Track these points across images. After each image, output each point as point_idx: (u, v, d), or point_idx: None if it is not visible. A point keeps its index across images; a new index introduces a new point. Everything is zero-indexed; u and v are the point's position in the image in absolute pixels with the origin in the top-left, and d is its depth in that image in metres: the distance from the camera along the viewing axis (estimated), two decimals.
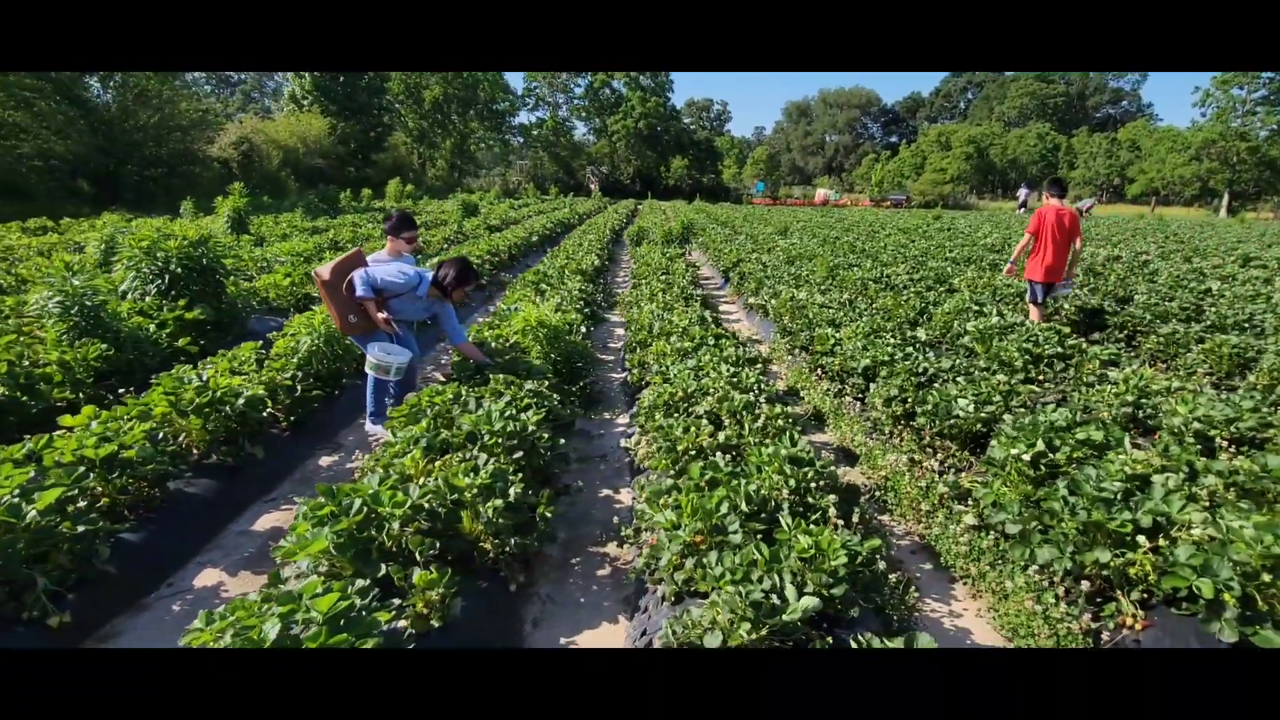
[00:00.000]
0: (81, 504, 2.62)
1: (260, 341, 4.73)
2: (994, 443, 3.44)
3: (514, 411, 3.52)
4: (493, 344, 5.07)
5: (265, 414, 4.01)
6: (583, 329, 6.26)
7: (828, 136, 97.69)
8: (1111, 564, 2.59)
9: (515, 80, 65.08)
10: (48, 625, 2.35)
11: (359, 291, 4.07)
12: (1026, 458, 3.19)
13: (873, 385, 4.74)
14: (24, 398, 3.91)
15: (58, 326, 4.60)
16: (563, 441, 3.65)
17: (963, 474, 3.69)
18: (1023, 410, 3.94)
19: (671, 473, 3.31)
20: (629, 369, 5.58)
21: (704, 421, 3.59)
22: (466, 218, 19.15)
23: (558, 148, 62.84)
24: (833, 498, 2.86)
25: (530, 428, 3.42)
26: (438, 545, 2.67)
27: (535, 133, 62.90)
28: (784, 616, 2.17)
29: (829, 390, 5.26)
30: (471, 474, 2.86)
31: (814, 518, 2.81)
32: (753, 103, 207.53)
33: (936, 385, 4.41)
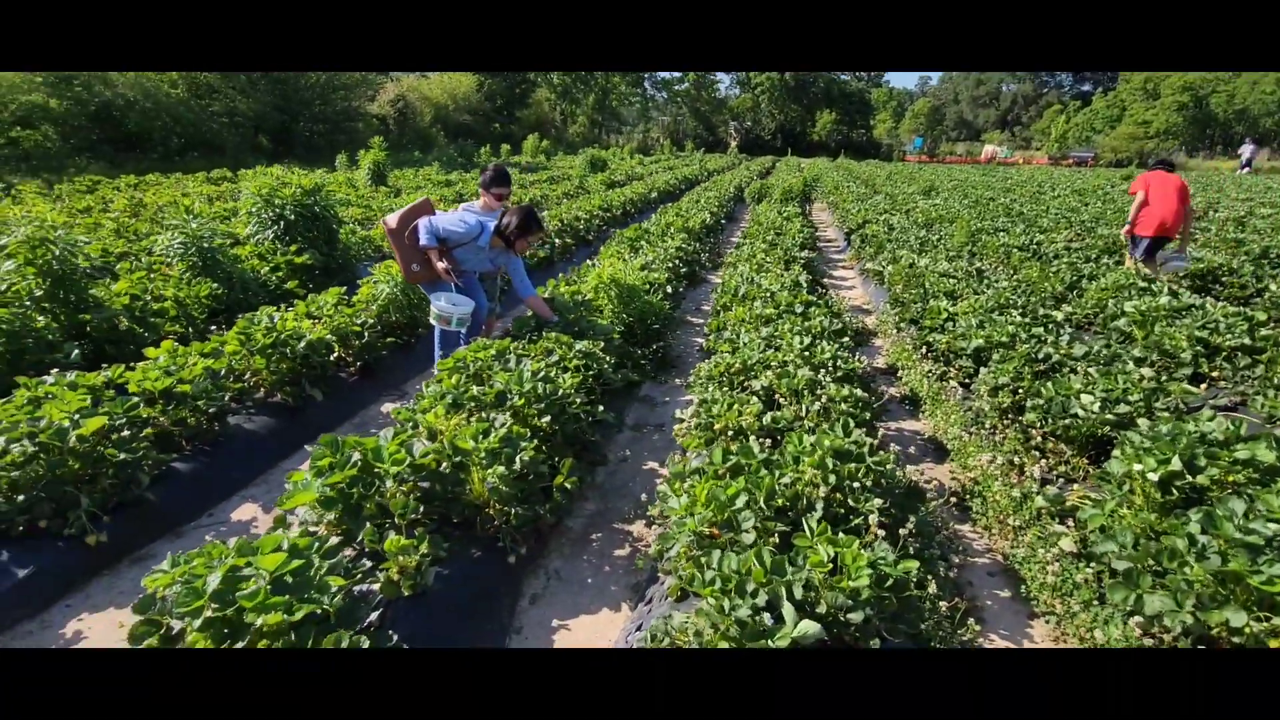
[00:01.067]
0: (126, 432, 2.78)
1: (345, 288, 4.90)
2: (1116, 453, 2.77)
3: (551, 373, 3.33)
4: (567, 300, 4.92)
5: (332, 358, 4.15)
6: (667, 289, 5.95)
7: (1005, 86, 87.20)
8: (1246, 630, 1.95)
9: None
10: (85, 543, 2.53)
11: (421, 240, 4.04)
12: (1154, 476, 2.51)
13: (982, 370, 4.05)
14: (139, 329, 4.32)
15: (179, 266, 5.04)
16: (601, 409, 3.42)
17: (1072, 487, 3.02)
18: (1169, 415, 3.15)
19: (704, 453, 2.98)
20: (707, 334, 5.21)
21: (754, 399, 3.20)
22: (593, 173, 19.20)
23: (699, 103, 61.38)
24: (879, 502, 2.40)
25: (563, 391, 3.23)
26: (435, 508, 2.58)
27: (677, 87, 61.78)
28: (772, 641, 1.82)
29: (931, 372, 4.59)
30: (481, 436, 2.72)
31: (853, 523, 2.39)
32: None
33: (1058, 375, 3.66)
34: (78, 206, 8.76)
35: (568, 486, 2.90)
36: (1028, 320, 4.59)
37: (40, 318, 3.98)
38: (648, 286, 5.44)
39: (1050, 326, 4.49)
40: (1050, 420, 3.29)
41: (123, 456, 2.69)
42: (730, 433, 2.99)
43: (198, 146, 18.36)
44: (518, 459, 2.69)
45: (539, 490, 2.84)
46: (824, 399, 3.20)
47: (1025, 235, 9.06)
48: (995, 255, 8.19)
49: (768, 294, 5.19)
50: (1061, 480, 3.14)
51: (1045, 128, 66.15)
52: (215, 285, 4.97)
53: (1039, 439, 3.32)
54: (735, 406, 3.10)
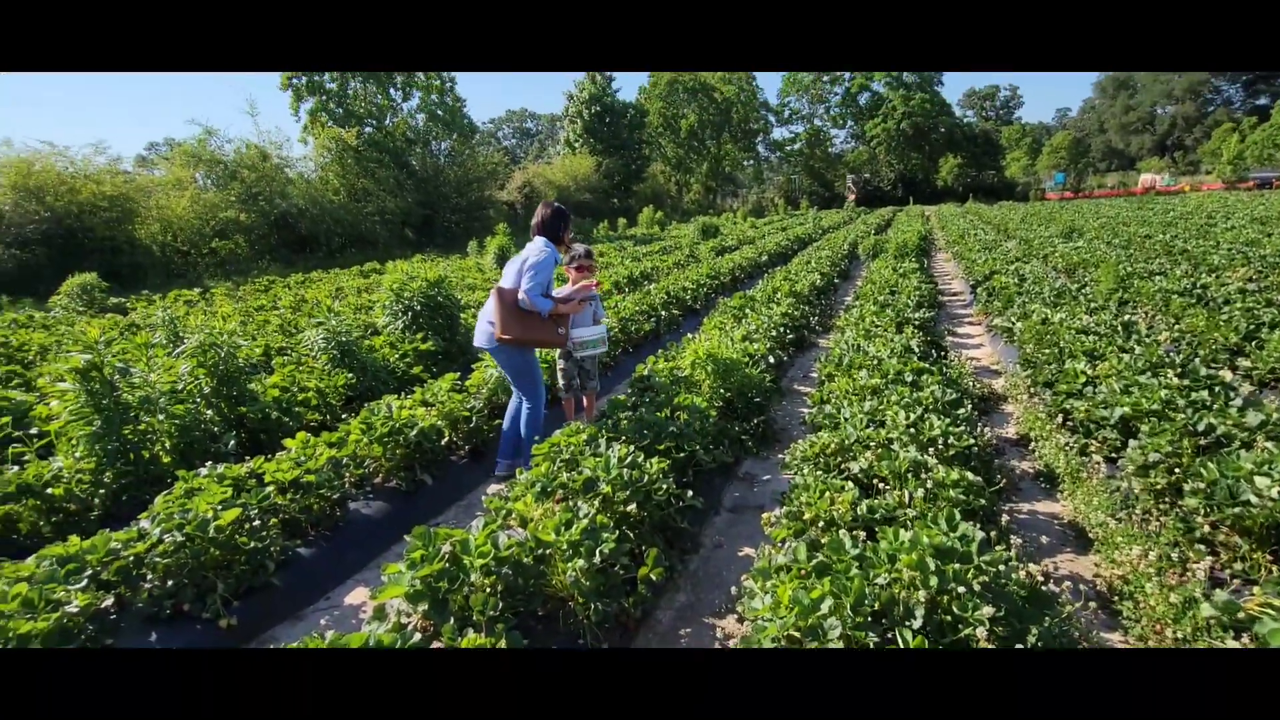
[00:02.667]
0: (257, 522, 3.08)
1: (459, 373, 5.25)
2: None
3: (638, 458, 3.33)
4: (665, 379, 4.96)
5: (443, 442, 4.41)
6: (769, 359, 5.83)
7: (1159, 109, 79.59)
8: None
9: (770, 93, 65.44)
10: (219, 626, 2.80)
11: (537, 302, 4.06)
12: None
13: (1131, 443, 3.55)
14: (285, 419, 4.85)
15: (322, 358, 5.66)
16: (690, 494, 3.34)
17: (1250, 591, 2.52)
18: None
19: (793, 544, 2.81)
20: (810, 406, 5.00)
21: (849, 485, 2.99)
22: (704, 240, 19.55)
23: (812, 160, 61.33)
24: (990, 610, 2.12)
25: (649, 476, 3.20)
26: (518, 601, 2.61)
27: (789, 148, 62.24)
28: None
29: (1069, 444, 4.09)
30: (564, 527, 2.74)
31: (960, 634, 2.12)
32: (1052, 81, 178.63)
33: (1226, 451, 3.12)
34: (253, 305, 10.17)
35: (652, 578, 2.83)
36: (1187, 382, 3.99)
37: (208, 411, 4.60)
38: (747, 359, 5.35)
39: (1217, 390, 3.87)
40: (1217, 508, 2.79)
41: (253, 545, 2.98)
42: (821, 523, 2.81)
43: (354, 243, 20.93)
44: (598, 551, 2.67)
45: (622, 583, 2.79)
46: (929, 484, 2.93)
47: (1188, 277, 8.03)
48: (1151, 303, 7.29)
49: (874, 362, 4.92)
50: (1237, 582, 2.62)
51: (1215, 149, 59.14)
52: (350, 375, 5.51)
53: (1204, 528, 2.82)
54: (827, 494, 2.92)
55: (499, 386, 5.08)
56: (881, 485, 3.09)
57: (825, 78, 61.54)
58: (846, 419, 3.86)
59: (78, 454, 3.91)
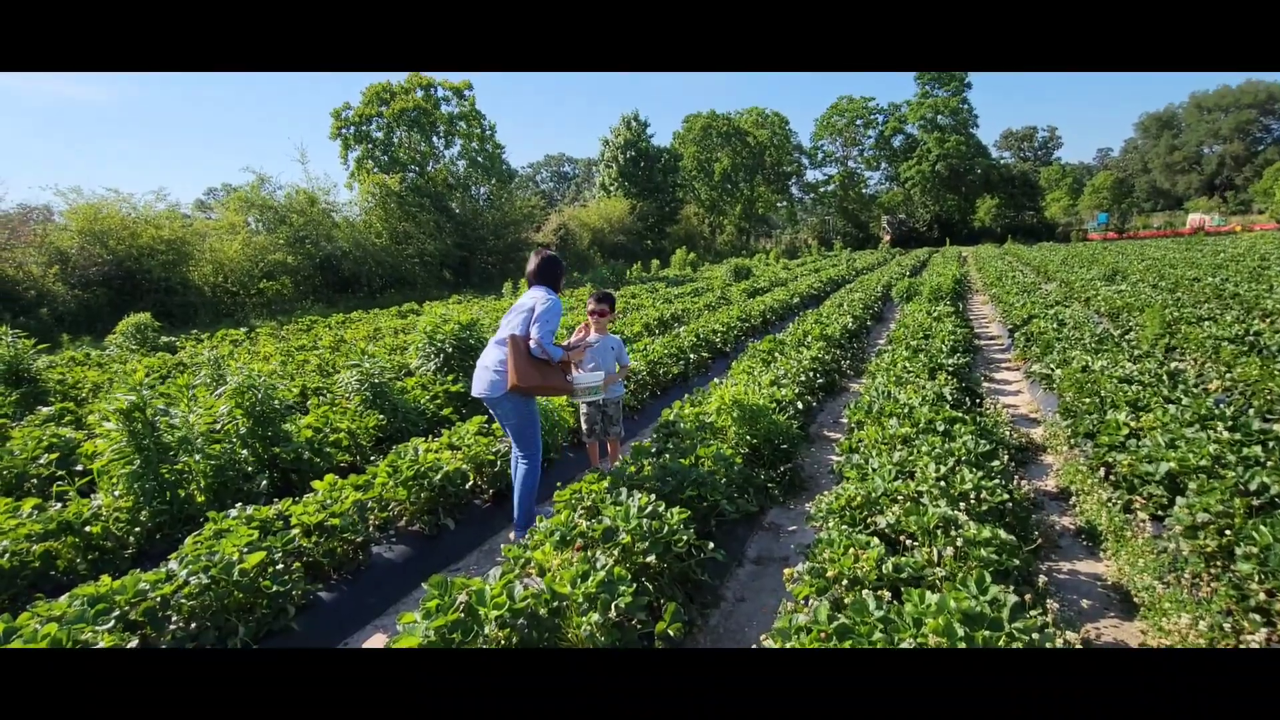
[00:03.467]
0: (280, 565, 3.12)
1: (486, 416, 5.30)
2: None
3: (660, 507, 3.29)
4: (690, 426, 4.92)
5: (468, 486, 4.43)
6: (798, 404, 5.75)
7: (1206, 148, 77.83)
8: None
9: (804, 136, 66.04)
10: None
11: (555, 354, 4.08)
12: None
13: (1178, 501, 3.37)
14: (317, 460, 4.94)
15: (356, 400, 5.78)
16: (712, 545, 3.28)
17: None
18: None
19: (816, 604, 2.71)
20: (838, 455, 4.90)
21: (875, 541, 2.90)
22: (736, 281, 19.61)
23: (846, 201, 61.46)
24: None
25: (670, 527, 3.16)
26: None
27: (823, 189, 62.56)
28: None
29: (1111, 500, 3.91)
30: (580, 579, 2.71)
31: None
32: (1092, 121, 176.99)
33: None
34: (294, 345, 10.49)
35: (670, 634, 2.76)
36: (1238, 437, 3.80)
37: (244, 451, 4.72)
38: (774, 405, 5.29)
39: (1271, 445, 3.67)
40: (1272, 574, 2.62)
41: (274, 589, 3.01)
42: (845, 581, 2.72)
43: (394, 284, 21.60)
44: (614, 605, 2.62)
45: (639, 637, 2.73)
46: (960, 541, 2.82)
47: (1240, 323, 7.72)
48: (1199, 351, 7.02)
49: (905, 409, 4.81)
50: None
51: (1267, 188, 57.42)
52: (380, 416, 5.61)
53: (1259, 596, 2.65)
54: (851, 550, 2.83)
55: None
56: (909, 542, 2.99)
57: (859, 120, 62.10)
58: (874, 470, 3.77)
59: (117, 492, 4.04)
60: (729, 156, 51.68)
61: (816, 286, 16.69)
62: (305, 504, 3.58)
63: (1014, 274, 17.29)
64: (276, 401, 4.98)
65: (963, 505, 3.22)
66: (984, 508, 3.26)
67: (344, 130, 25.48)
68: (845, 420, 6.31)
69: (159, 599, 2.84)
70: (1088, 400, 5.16)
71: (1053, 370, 6.50)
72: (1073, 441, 4.99)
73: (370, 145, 25.61)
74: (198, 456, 4.28)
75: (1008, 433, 5.26)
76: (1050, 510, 4.27)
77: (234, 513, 3.51)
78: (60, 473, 4.65)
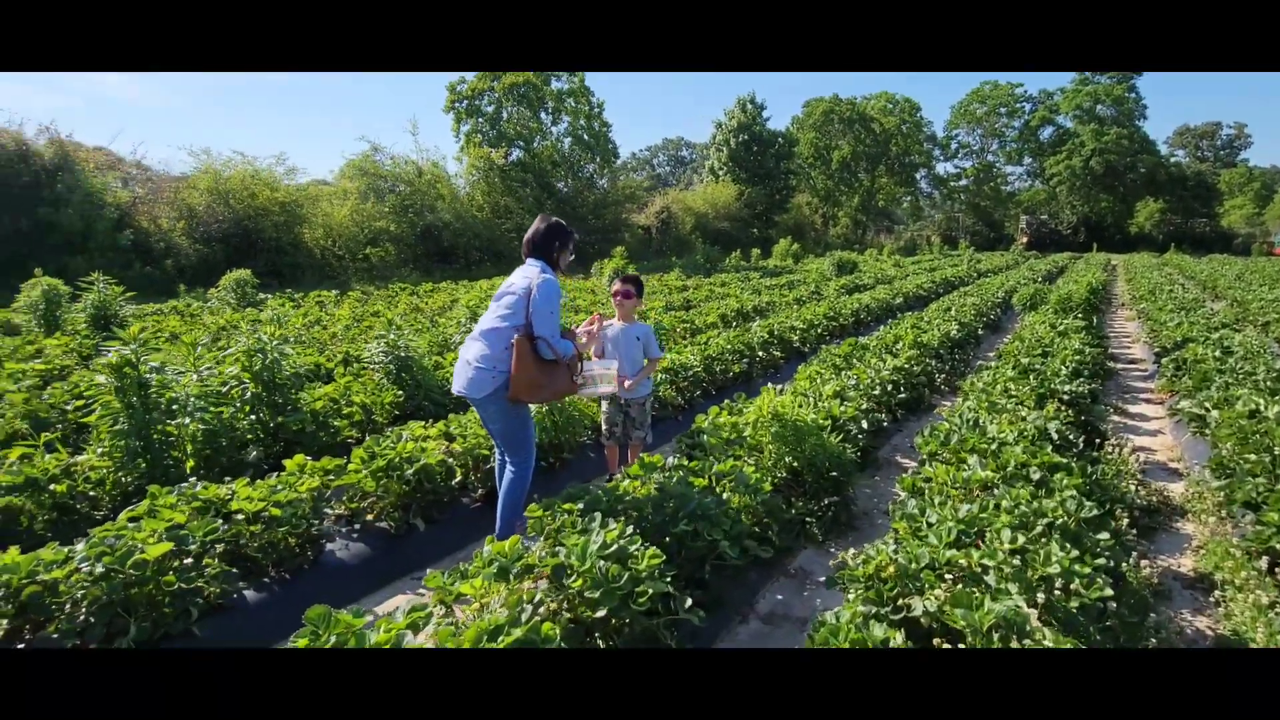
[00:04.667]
0: (190, 560, 2.74)
1: None
2: None
3: (630, 546, 2.62)
4: (720, 438, 4.19)
5: (455, 482, 3.95)
6: (863, 423, 4.83)
7: None
8: None
9: (938, 125, 61.08)
10: None
11: (564, 351, 3.49)
12: None
13: None
14: (320, 433, 4.65)
15: (381, 373, 5.48)
16: (690, 603, 2.57)
17: None
18: None
19: None
20: (899, 494, 4.00)
21: (898, 637, 2.09)
22: (839, 276, 18.22)
23: (979, 197, 56.58)
24: None
25: (639, 571, 2.48)
26: None
27: (954, 183, 57.88)
28: None
29: (1276, 605, 2.82)
30: (488, 635, 2.11)
31: None
32: None
33: None
34: (369, 309, 10.58)
35: None
36: None
37: (247, 418, 4.49)
38: (828, 421, 4.43)
39: None
40: None
41: (179, 586, 2.64)
42: None
43: (491, 257, 21.90)
44: None
45: None
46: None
47: None
48: None
49: (991, 446, 3.83)
50: None
51: None
52: (400, 392, 5.26)
53: None
54: (868, 644, 2.04)
55: (540, 423, 4.57)
56: (949, 646, 2.14)
57: (1001, 109, 56.69)
58: (930, 525, 2.91)
59: (100, 450, 3.88)
60: (850, 144, 48.78)
61: (926, 287, 15.08)
62: (244, 491, 3.20)
63: (1172, 288, 14.82)
64: (287, 369, 4.72)
65: (1042, 597, 2.32)
66: (1074, 604, 2.34)
67: (457, 104, 26.09)
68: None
69: (47, 583, 2.53)
70: (1253, 457, 3.93)
71: (1207, 410, 5.14)
72: (1225, 511, 3.80)
73: (480, 119, 26.07)
74: (187, 420, 4.06)
75: (1132, 487, 4.12)
76: (1180, 603, 3.20)
77: (178, 491, 3.20)
78: (86, 420, 4.63)
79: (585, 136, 26.75)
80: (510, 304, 3.23)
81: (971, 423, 4.29)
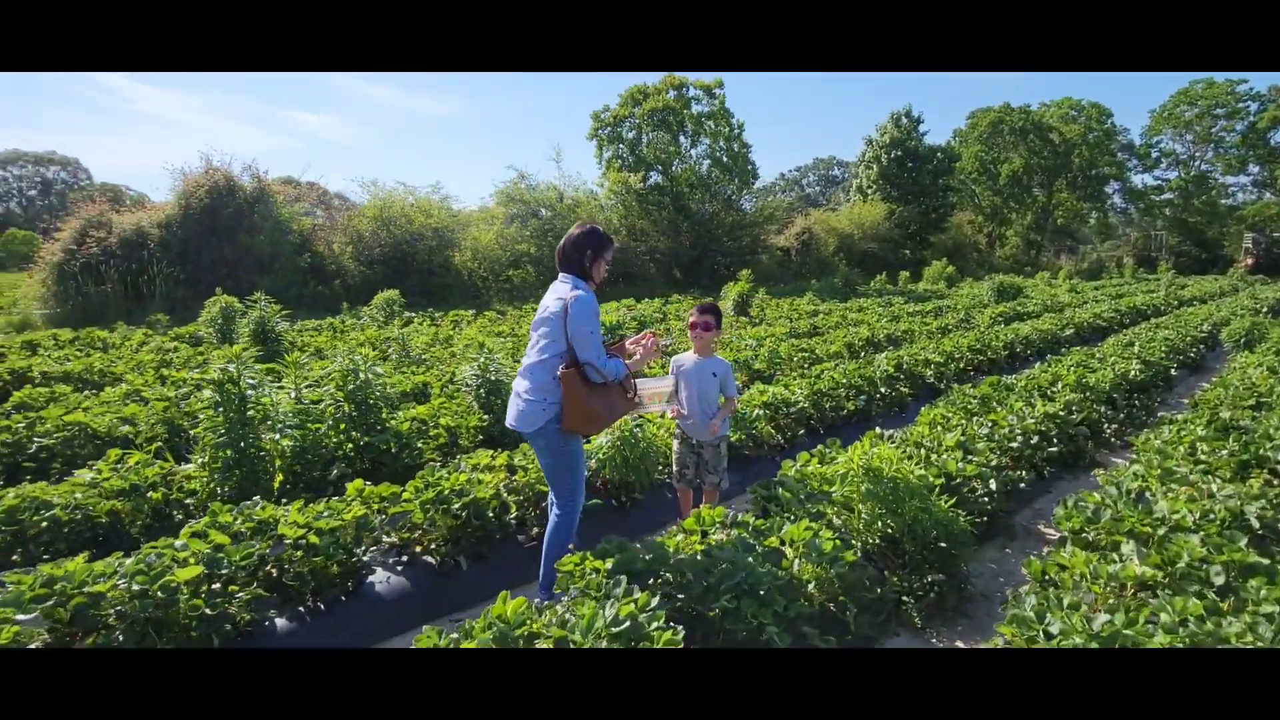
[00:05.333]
0: (217, 585, 2.75)
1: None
2: None
3: (647, 623, 2.23)
4: (789, 493, 3.65)
5: (510, 518, 3.77)
6: (990, 484, 4.03)
7: None
8: None
9: (1134, 131, 53.52)
10: None
11: (615, 372, 3.05)
12: None
13: None
14: (403, 454, 4.71)
15: (471, 395, 5.51)
16: None
17: None
18: None
19: None
20: (1032, 576, 3.20)
21: None
22: (999, 301, 16.30)
23: (1187, 212, 48.77)
24: None
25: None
26: None
27: (1154, 197, 50.40)
28: None
29: None
30: None
31: None
32: None
33: None
34: (495, 329, 10.98)
35: None
36: None
37: (337, 436, 4.65)
38: (941, 480, 3.72)
39: None
40: None
41: (204, 610, 2.64)
42: None
43: (624, 278, 22.23)
44: None
45: None
46: None
47: None
48: None
49: (1159, 529, 2.96)
50: None
51: None
52: (486, 416, 5.24)
53: None
54: None
55: (610, 458, 4.29)
56: None
57: (1218, 109, 48.63)
58: (1051, 635, 2.24)
59: (202, 460, 4.16)
60: (1022, 156, 44.17)
61: (1107, 317, 12.97)
62: (292, 515, 3.20)
63: None
64: (378, 388, 4.85)
65: None
66: None
67: (600, 131, 27.00)
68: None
69: (93, 595, 2.62)
70: None
71: None
72: None
73: (621, 145, 26.75)
74: (275, 436, 4.25)
75: None
76: None
77: (238, 510, 3.28)
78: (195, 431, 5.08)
79: (724, 158, 26.50)
80: (547, 333, 3.00)
81: (1133, 495, 3.39)
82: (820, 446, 4.27)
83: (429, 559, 3.45)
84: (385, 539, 3.55)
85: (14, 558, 3.38)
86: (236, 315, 9.63)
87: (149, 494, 3.77)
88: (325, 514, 3.23)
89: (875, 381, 6.81)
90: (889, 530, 3.45)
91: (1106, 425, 6.08)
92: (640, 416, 4.23)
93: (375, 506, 3.56)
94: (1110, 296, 18.06)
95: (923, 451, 4.16)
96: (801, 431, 5.75)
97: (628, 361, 3.21)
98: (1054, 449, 5.10)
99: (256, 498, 3.49)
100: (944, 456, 4.12)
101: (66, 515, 3.49)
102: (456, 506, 3.43)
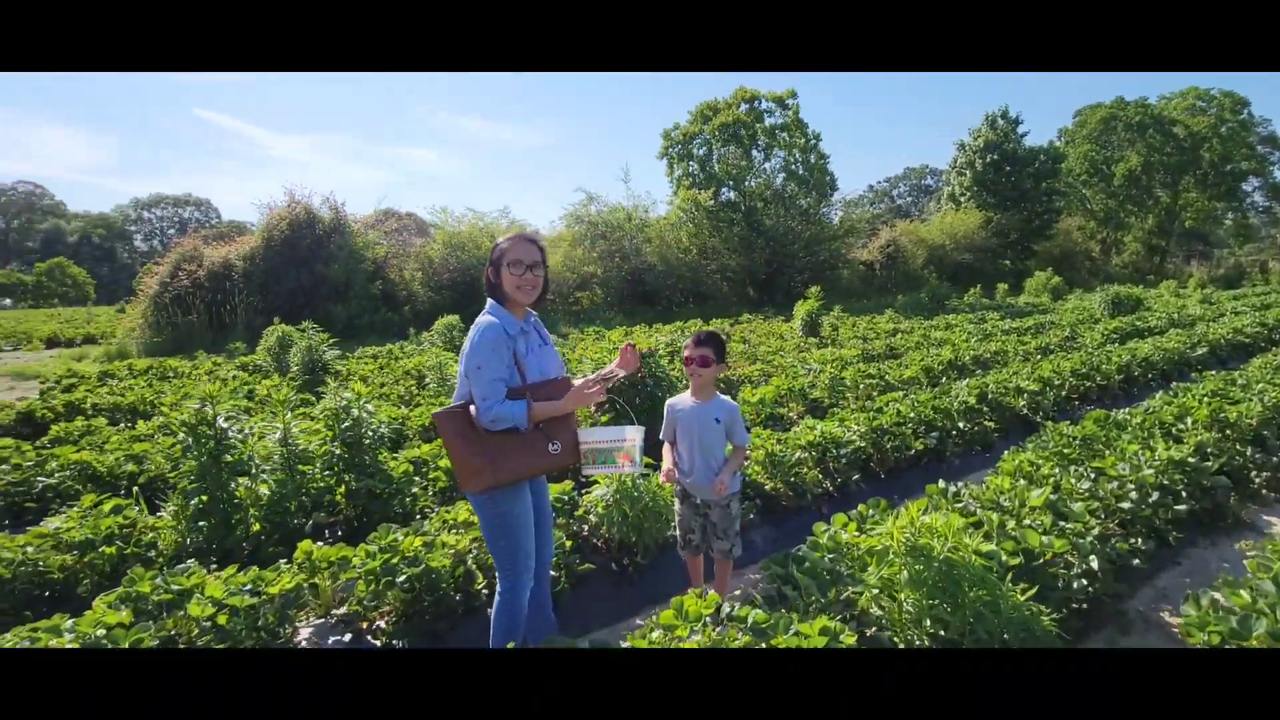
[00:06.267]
0: None
1: (573, 484, 4.02)
2: None
3: None
4: (804, 574, 2.88)
5: (478, 588, 3.21)
6: (1090, 562, 3.10)
7: None
8: None
9: (1276, 123, 47.56)
10: None
11: (513, 416, 2.43)
12: None
13: None
14: (394, 500, 4.29)
15: None
16: None
17: None
18: None
19: None
20: None
21: None
22: (1113, 315, 14.42)
23: None
24: None
25: None
26: None
27: None
28: None
29: None
30: None
31: None
32: None
33: None
34: None
35: None
36: None
37: (325, 480, 4.29)
38: (1017, 559, 2.85)
39: None
40: None
41: None
42: None
43: (696, 298, 21.60)
44: None
45: None
46: None
47: None
48: None
49: None
50: None
51: None
52: None
53: None
54: None
55: (609, 513, 3.68)
56: None
57: None
58: None
59: (172, 509, 3.88)
60: (1140, 153, 40.08)
61: (1250, 332, 11.05)
62: (218, 584, 2.78)
63: None
64: (370, 428, 4.46)
65: None
66: None
67: (670, 149, 26.62)
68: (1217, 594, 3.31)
69: None
70: None
71: None
72: None
73: (691, 163, 26.25)
74: (250, 482, 3.92)
75: None
76: None
77: (171, 572, 2.90)
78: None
79: (800, 169, 25.41)
80: (460, 372, 2.50)
81: None
82: (862, 506, 3.46)
83: (374, 640, 2.94)
84: (336, 611, 3.08)
85: None
86: (293, 344, 9.74)
87: (102, 548, 3.49)
88: (247, 587, 2.79)
89: (952, 414, 5.82)
90: (942, 630, 2.62)
91: (1255, 473, 4.84)
92: (590, 475, 3.52)
93: (325, 572, 3.09)
94: (1253, 308, 15.60)
95: (998, 516, 3.27)
96: (856, 476, 4.90)
97: (592, 389, 2.59)
98: (1182, 507, 4.00)
99: (224, 551, 3.13)
100: (1025, 523, 3.22)
101: (10, 572, 3.23)
102: (403, 579, 2.90)
